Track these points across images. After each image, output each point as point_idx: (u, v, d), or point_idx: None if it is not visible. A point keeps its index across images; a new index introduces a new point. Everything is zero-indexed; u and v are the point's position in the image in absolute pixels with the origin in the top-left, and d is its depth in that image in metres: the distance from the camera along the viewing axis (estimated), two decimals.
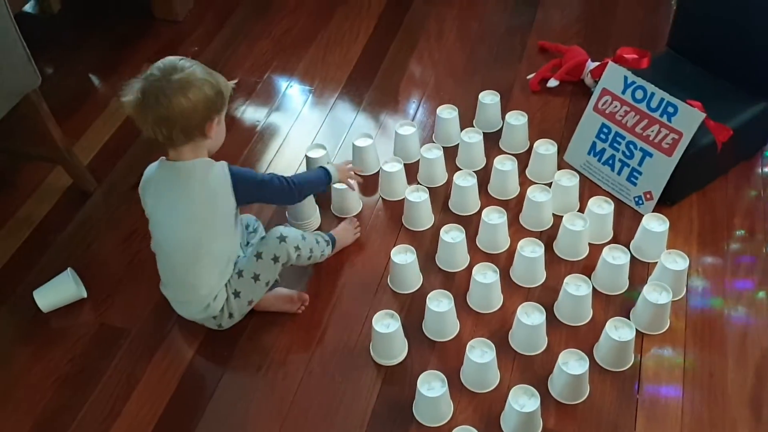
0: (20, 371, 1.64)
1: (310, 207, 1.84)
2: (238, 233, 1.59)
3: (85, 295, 1.74)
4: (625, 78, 1.80)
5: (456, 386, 1.52)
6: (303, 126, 2.17)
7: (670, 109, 1.72)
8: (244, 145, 2.12)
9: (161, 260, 1.60)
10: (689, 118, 1.70)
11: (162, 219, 1.55)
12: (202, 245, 1.52)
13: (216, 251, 1.54)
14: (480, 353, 1.49)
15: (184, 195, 1.50)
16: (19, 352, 1.68)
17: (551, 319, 1.61)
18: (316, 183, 1.71)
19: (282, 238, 1.60)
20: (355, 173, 1.82)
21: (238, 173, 1.53)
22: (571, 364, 1.45)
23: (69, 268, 1.75)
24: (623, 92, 1.81)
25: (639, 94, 1.78)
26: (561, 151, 1.95)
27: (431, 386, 1.44)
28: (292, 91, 2.30)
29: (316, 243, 1.68)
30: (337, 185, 1.80)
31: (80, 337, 1.68)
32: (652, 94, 1.75)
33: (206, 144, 1.50)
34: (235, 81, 1.57)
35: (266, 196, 1.66)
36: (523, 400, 1.41)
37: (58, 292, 1.71)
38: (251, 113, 2.23)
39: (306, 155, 1.94)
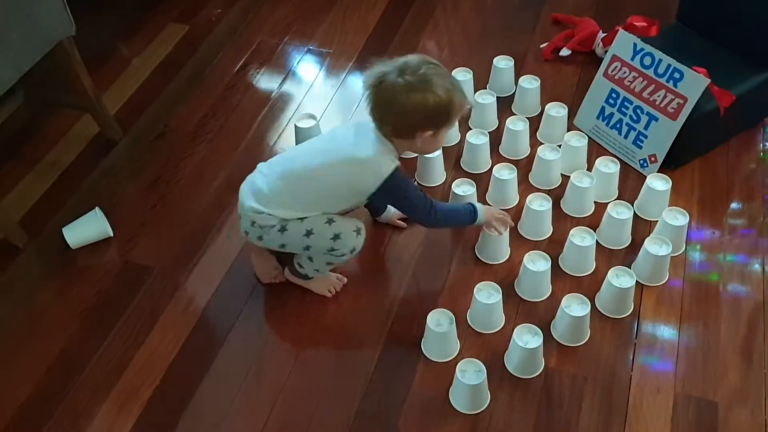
0: (48, 303, 1.73)
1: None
2: (341, 204, 1.57)
3: (111, 233, 1.82)
4: (635, 45, 1.87)
5: (463, 327, 1.61)
6: (318, 91, 2.24)
7: (677, 75, 1.79)
8: (261, 107, 2.19)
9: (280, 162, 1.59)
10: (694, 83, 1.77)
11: (317, 144, 1.59)
12: (321, 179, 1.52)
13: (320, 191, 1.53)
14: (487, 295, 1.56)
15: (351, 153, 1.51)
16: (48, 286, 1.76)
17: (556, 271, 1.69)
18: (460, 218, 1.65)
19: (359, 231, 1.57)
20: (503, 219, 1.69)
21: (395, 182, 1.50)
22: (574, 307, 1.53)
23: (96, 207, 1.83)
24: (632, 59, 1.88)
25: (647, 61, 1.85)
26: (571, 115, 2.02)
27: (439, 323, 1.52)
28: (311, 55, 2.37)
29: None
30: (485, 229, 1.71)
31: (105, 273, 1.77)
32: (660, 60, 1.82)
33: (412, 145, 1.52)
34: (472, 102, 1.61)
35: (404, 208, 1.66)
36: (527, 338, 1.49)
37: (86, 228, 1.80)
38: (271, 76, 2.30)
39: (295, 125, 1.93)
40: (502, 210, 1.79)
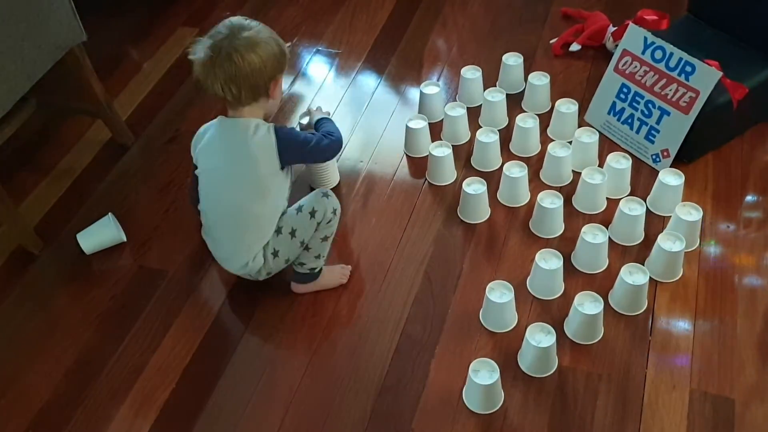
0: (64, 308, 1.75)
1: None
2: (282, 194, 1.60)
3: (124, 238, 1.83)
4: (645, 39, 1.85)
5: (475, 326, 1.60)
6: (328, 91, 2.24)
7: (688, 68, 1.78)
8: None
9: (206, 216, 1.63)
10: (706, 76, 1.75)
11: (210, 176, 1.59)
12: (244, 206, 1.55)
13: (257, 213, 1.56)
14: (499, 294, 1.56)
15: (232, 153, 1.54)
16: (63, 291, 1.78)
17: (569, 268, 1.68)
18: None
19: (326, 194, 1.62)
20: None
21: (283, 135, 1.54)
22: (587, 305, 1.53)
23: (110, 213, 1.85)
24: (643, 53, 1.86)
25: (658, 54, 1.83)
26: (582, 111, 2.01)
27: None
28: (320, 55, 2.38)
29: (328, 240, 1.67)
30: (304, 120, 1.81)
31: (120, 278, 1.78)
32: (671, 53, 1.81)
33: (267, 105, 1.54)
34: (290, 43, 1.63)
35: (313, 155, 1.65)
36: (540, 337, 1.48)
37: (100, 234, 1.81)
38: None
39: (299, 122, 1.89)
40: (512, 207, 1.81)
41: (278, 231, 1.59)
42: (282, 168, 1.56)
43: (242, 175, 1.54)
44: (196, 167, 1.62)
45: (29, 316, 1.73)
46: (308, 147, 1.59)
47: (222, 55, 1.43)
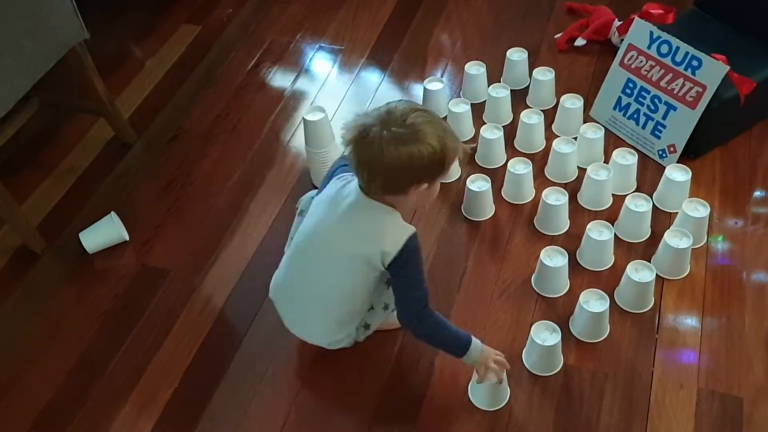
0: (67, 307, 1.74)
1: (328, 135, 1.84)
2: (377, 291, 1.47)
3: (127, 237, 1.83)
4: (651, 33, 1.83)
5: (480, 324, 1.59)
6: (331, 87, 2.23)
7: (695, 63, 1.75)
8: (274, 105, 2.18)
9: (294, 282, 1.48)
10: (713, 70, 1.73)
11: (322, 241, 1.42)
12: (348, 291, 1.42)
13: (358, 298, 1.44)
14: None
15: (357, 231, 1.38)
16: (66, 291, 1.78)
17: (574, 265, 1.67)
18: (449, 341, 1.43)
19: (386, 306, 1.51)
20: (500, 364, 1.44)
21: (410, 253, 1.36)
22: (592, 302, 1.51)
23: (112, 212, 1.84)
24: (649, 47, 1.84)
25: (664, 49, 1.81)
26: (587, 107, 1.99)
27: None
28: (323, 52, 2.36)
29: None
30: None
31: (123, 276, 1.78)
32: (677, 48, 1.78)
33: (406, 201, 1.36)
34: (472, 146, 1.55)
35: (404, 289, 1.41)
36: (545, 335, 1.47)
37: (103, 233, 1.81)
38: (283, 74, 2.30)
39: (303, 118, 1.83)
40: (516, 204, 1.77)
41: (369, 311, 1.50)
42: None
43: (359, 258, 1.38)
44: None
45: (31, 315, 1.73)
46: (403, 287, 1.40)
47: (366, 139, 1.28)
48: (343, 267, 1.40)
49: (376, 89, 2.20)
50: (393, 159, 1.26)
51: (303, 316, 1.51)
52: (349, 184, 1.40)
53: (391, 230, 1.36)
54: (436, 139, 1.27)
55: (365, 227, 1.37)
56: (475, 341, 1.41)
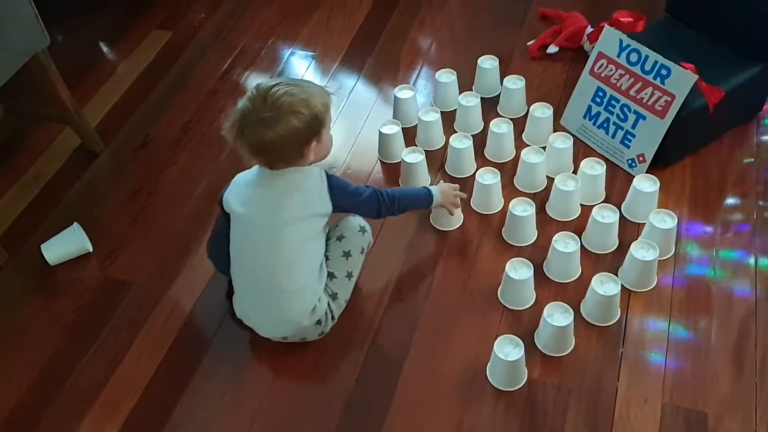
0: (28, 320, 1.71)
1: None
2: (324, 238, 1.57)
3: (90, 248, 1.80)
4: (621, 41, 1.82)
5: (445, 338, 1.57)
6: None
7: (664, 72, 1.74)
8: None
9: (248, 277, 1.54)
10: (682, 79, 1.71)
11: (257, 224, 1.49)
12: (299, 248, 1.48)
13: (312, 253, 1.51)
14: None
15: (282, 199, 1.47)
16: (27, 303, 1.75)
17: (541, 277, 1.65)
18: (415, 201, 1.66)
19: (362, 229, 1.61)
20: (459, 196, 1.72)
21: (334, 181, 1.51)
22: (556, 316, 1.49)
23: (75, 223, 1.81)
24: (618, 55, 1.83)
25: (633, 57, 1.80)
26: (558, 115, 1.97)
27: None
28: (295, 57, 2.34)
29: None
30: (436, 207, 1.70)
31: (85, 288, 1.75)
32: (646, 56, 1.77)
33: (306, 160, 1.47)
34: (334, 90, 1.64)
35: (358, 207, 1.58)
36: (508, 350, 1.45)
37: (65, 245, 1.78)
38: (254, 80, 2.27)
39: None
40: (485, 214, 1.79)
41: (332, 275, 1.57)
42: (333, 211, 1.52)
43: (296, 216, 1.48)
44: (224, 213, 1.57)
45: None
46: (355, 195, 1.55)
47: (245, 131, 1.40)
48: (290, 232, 1.47)
49: (349, 94, 2.18)
50: (275, 139, 1.38)
51: (273, 305, 1.51)
52: (252, 179, 1.51)
53: (309, 182, 1.48)
54: (302, 105, 1.39)
55: (291, 194, 1.47)
56: (433, 187, 1.66)
